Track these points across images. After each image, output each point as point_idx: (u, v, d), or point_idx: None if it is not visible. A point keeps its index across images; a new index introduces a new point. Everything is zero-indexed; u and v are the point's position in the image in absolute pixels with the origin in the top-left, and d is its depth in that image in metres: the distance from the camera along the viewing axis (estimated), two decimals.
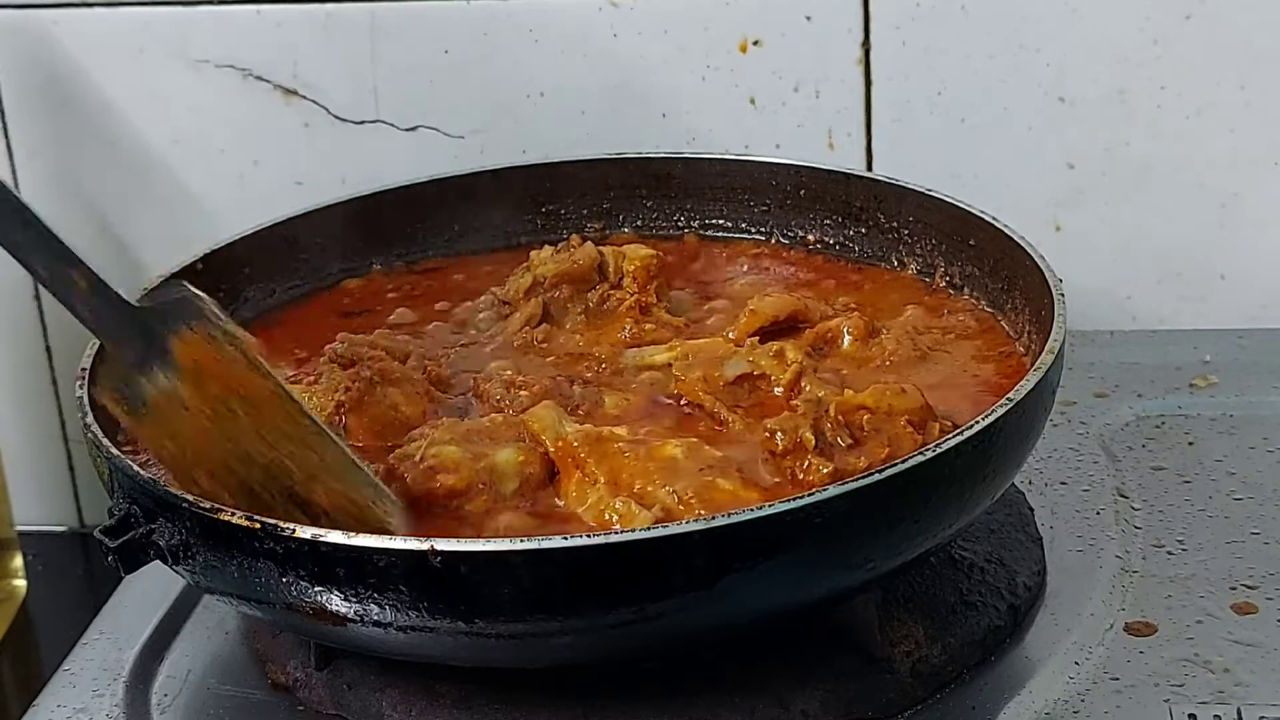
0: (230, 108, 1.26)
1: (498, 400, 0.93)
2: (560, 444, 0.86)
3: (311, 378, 0.97)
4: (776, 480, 0.85)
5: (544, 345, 1.02)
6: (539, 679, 0.85)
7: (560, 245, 1.07)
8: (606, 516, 0.82)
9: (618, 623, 0.77)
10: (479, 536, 0.82)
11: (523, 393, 0.93)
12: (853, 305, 1.02)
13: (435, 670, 0.86)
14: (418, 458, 0.85)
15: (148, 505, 0.82)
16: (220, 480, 0.84)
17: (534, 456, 0.86)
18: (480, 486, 0.85)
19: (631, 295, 1.04)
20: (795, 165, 1.12)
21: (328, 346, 0.99)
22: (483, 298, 1.07)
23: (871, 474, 0.78)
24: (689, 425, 0.91)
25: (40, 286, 0.85)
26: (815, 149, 1.21)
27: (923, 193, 1.06)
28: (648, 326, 1.02)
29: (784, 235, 1.13)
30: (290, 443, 0.85)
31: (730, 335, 0.98)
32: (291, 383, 0.94)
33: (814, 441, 0.84)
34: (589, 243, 1.07)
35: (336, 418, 0.92)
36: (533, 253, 1.07)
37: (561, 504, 0.86)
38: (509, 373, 0.96)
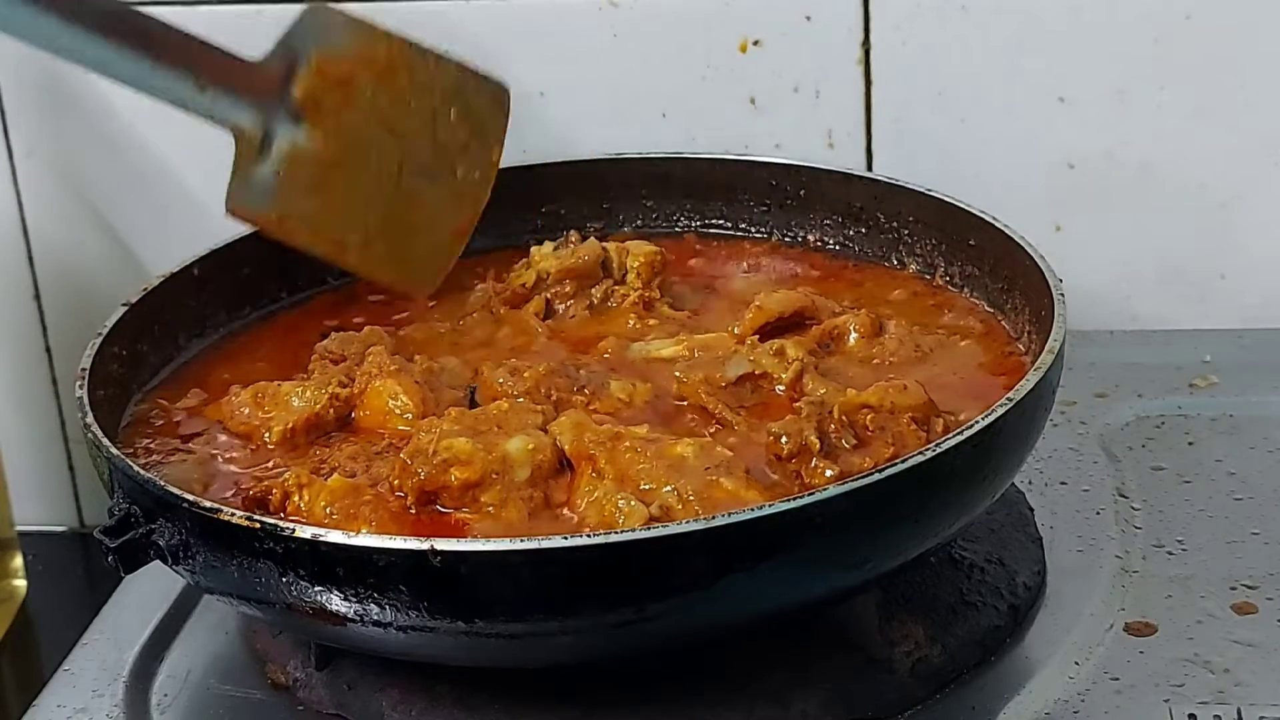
0: None
1: (501, 385, 0.93)
2: (575, 445, 0.86)
3: (303, 374, 0.97)
4: (781, 481, 0.84)
5: (548, 338, 1.02)
6: (539, 679, 0.85)
7: (559, 242, 1.07)
8: (607, 512, 0.82)
9: (618, 623, 0.77)
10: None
11: (526, 374, 0.92)
12: (859, 302, 1.03)
13: (435, 670, 0.86)
14: (430, 451, 0.85)
15: (148, 505, 0.82)
16: (369, 212, 0.92)
17: (545, 443, 0.86)
18: (493, 476, 0.85)
19: (635, 291, 1.04)
20: (795, 165, 1.12)
21: (319, 344, 0.99)
22: (477, 290, 1.08)
23: (871, 474, 0.78)
24: (695, 420, 0.91)
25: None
26: (815, 149, 1.21)
27: (923, 193, 1.06)
28: (651, 322, 1.02)
29: (784, 235, 1.13)
30: (424, 96, 0.94)
31: (735, 330, 0.98)
32: (283, 381, 0.96)
33: (819, 444, 0.84)
34: (593, 238, 1.07)
35: (329, 411, 0.93)
36: (533, 248, 1.07)
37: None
38: (512, 360, 0.96)
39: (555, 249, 1.06)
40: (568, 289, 1.05)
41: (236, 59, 0.93)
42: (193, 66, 0.90)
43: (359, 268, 0.97)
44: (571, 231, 1.10)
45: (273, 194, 0.92)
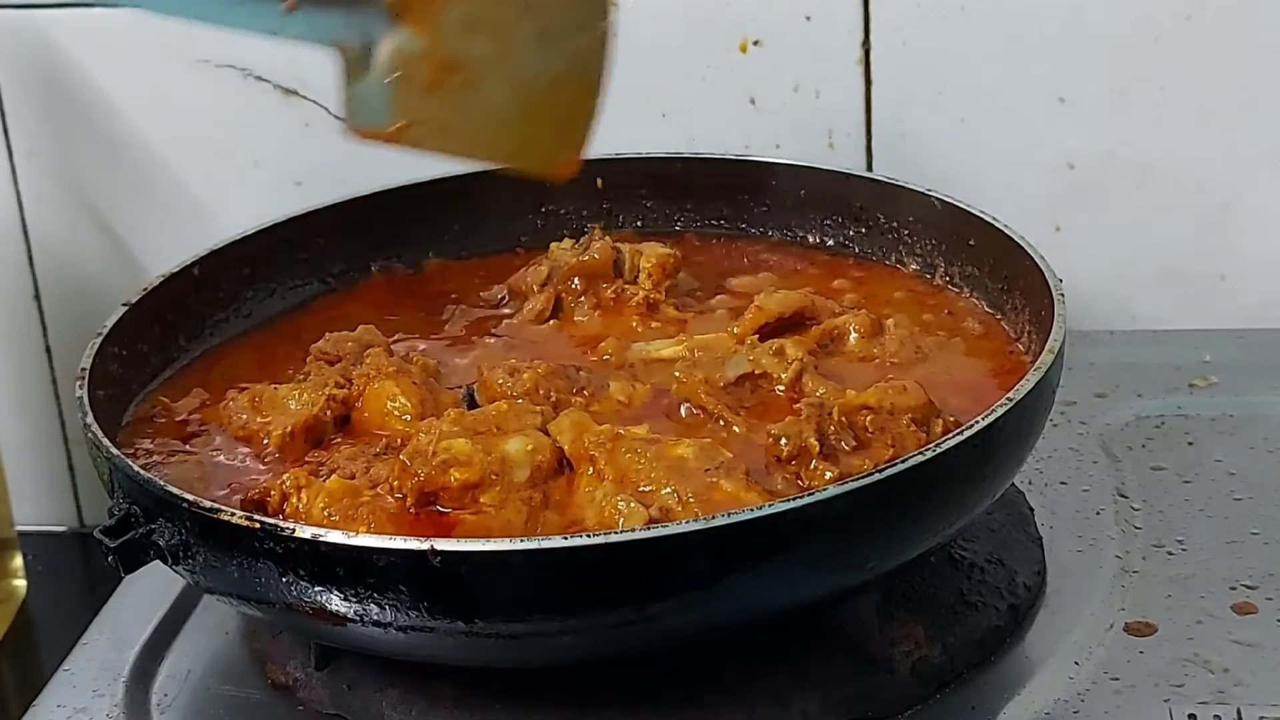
0: (230, 108, 1.26)
1: (500, 386, 0.93)
2: (575, 444, 0.86)
3: (301, 375, 0.97)
4: (781, 483, 0.84)
5: (551, 336, 1.02)
6: (539, 679, 0.85)
7: (583, 239, 1.07)
8: (607, 514, 0.82)
9: (618, 623, 0.77)
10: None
11: (525, 375, 0.92)
12: (860, 302, 1.03)
13: (435, 670, 0.86)
14: (430, 452, 0.85)
15: (148, 505, 0.82)
16: (492, 98, 0.87)
17: (544, 444, 0.86)
18: (492, 477, 0.85)
19: (645, 291, 1.04)
20: (795, 165, 1.12)
21: (314, 345, 0.99)
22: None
23: (871, 474, 0.78)
24: (695, 421, 0.91)
25: None
26: (815, 149, 1.21)
27: (923, 193, 1.06)
28: (654, 324, 1.02)
29: (784, 235, 1.13)
30: None
31: (735, 330, 0.98)
32: (281, 383, 0.96)
33: (818, 447, 0.84)
34: (607, 238, 1.07)
35: (325, 412, 0.93)
36: (553, 244, 1.08)
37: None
38: (512, 360, 0.96)
39: (575, 245, 1.07)
40: (578, 286, 1.05)
41: None
42: None
43: (495, 160, 0.93)
44: (595, 228, 1.10)
45: (389, 104, 0.87)
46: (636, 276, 1.05)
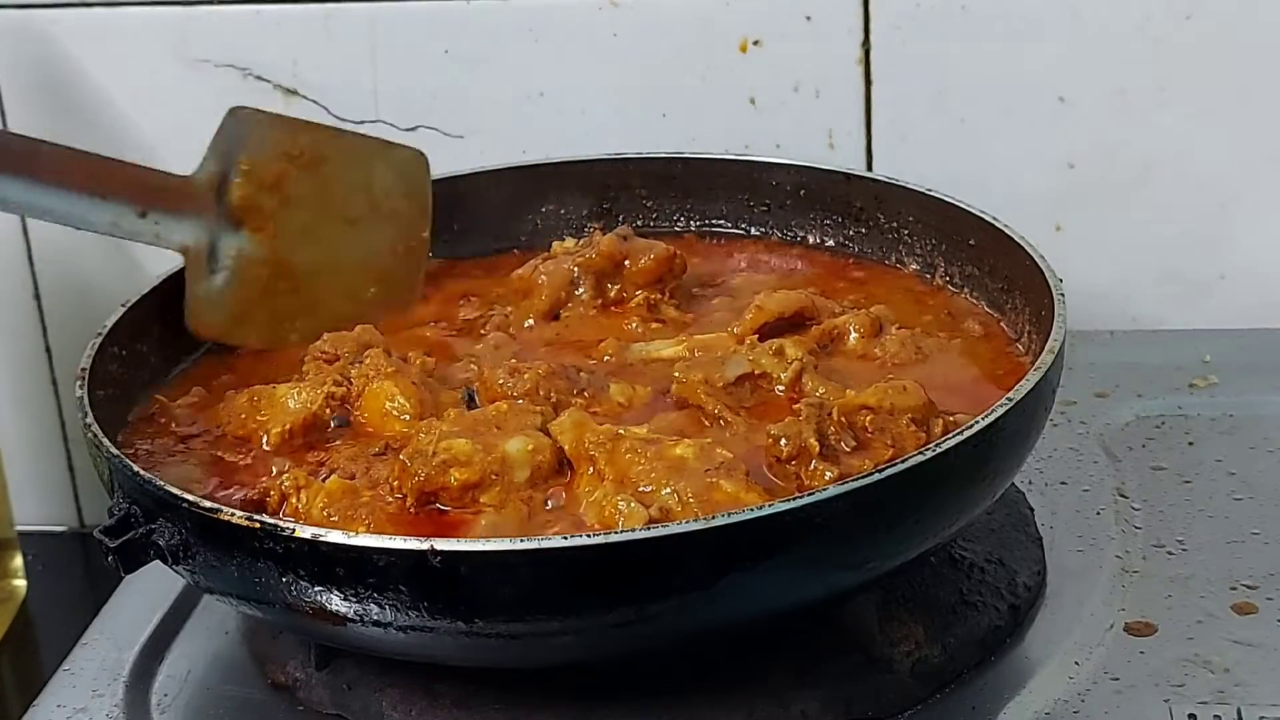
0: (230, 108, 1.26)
1: (500, 386, 0.93)
2: (576, 444, 0.86)
3: (298, 375, 0.97)
4: (782, 484, 0.84)
5: (552, 335, 1.02)
6: (539, 679, 0.85)
7: (584, 239, 1.07)
8: (607, 513, 0.82)
9: (618, 623, 0.77)
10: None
11: (526, 375, 0.92)
12: (860, 302, 1.03)
13: (435, 670, 0.86)
14: (430, 452, 0.85)
15: (148, 505, 0.82)
16: (321, 300, 1.01)
17: (544, 444, 0.86)
18: (493, 477, 0.85)
19: (650, 288, 1.04)
20: (795, 165, 1.12)
21: (312, 345, 0.99)
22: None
23: (871, 474, 0.78)
24: (695, 421, 0.91)
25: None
26: (815, 149, 1.21)
27: (923, 193, 1.06)
28: (654, 325, 1.02)
29: (784, 235, 1.13)
30: (351, 175, 1.02)
31: (735, 330, 0.98)
32: (279, 383, 0.97)
33: (818, 447, 0.84)
34: (613, 235, 1.07)
35: (325, 410, 0.93)
36: (555, 243, 1.08)
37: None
38: (512, 360, 0.96)
39: (577, 244, 1.07)
40: (586, 283, 1.05)
41: (168, 177, 0.98)
42: (131, 195, 0.96)
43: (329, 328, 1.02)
44: (595, 228, 1.09)
45: (227, 307, 0.99)
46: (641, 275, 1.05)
